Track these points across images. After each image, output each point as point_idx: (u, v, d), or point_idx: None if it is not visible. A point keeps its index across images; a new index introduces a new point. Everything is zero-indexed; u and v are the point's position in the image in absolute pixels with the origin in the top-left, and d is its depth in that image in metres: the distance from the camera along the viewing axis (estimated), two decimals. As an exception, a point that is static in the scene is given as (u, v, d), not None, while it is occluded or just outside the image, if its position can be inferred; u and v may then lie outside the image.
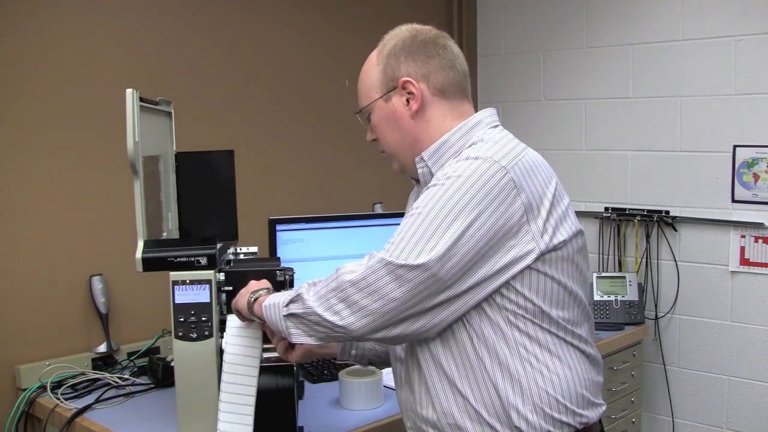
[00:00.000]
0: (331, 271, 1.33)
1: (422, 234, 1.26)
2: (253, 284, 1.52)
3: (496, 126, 1.45)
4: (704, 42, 2.81)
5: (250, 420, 1.52)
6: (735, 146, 2.77)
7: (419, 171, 1.45)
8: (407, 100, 1.44)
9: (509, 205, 1.27)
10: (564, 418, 1.34)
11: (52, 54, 2.14)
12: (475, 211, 1.26)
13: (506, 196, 1.27)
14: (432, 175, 1.42)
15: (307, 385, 2.07)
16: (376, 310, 1.25)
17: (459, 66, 1.47)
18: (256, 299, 1.45)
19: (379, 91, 1.46)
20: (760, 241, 2.74)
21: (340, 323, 1.27)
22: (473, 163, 1.30)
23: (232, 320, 1.56)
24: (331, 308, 1.28)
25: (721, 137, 2.80)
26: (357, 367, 2.04)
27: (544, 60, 3.28)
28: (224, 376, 1.53)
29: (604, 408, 1.44)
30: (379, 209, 2.72)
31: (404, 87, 1.43)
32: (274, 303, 1.38)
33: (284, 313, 1.35)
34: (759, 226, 2.74)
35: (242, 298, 1.49)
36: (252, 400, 1.53)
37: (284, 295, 1.38)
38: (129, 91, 1.60)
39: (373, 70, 1.48)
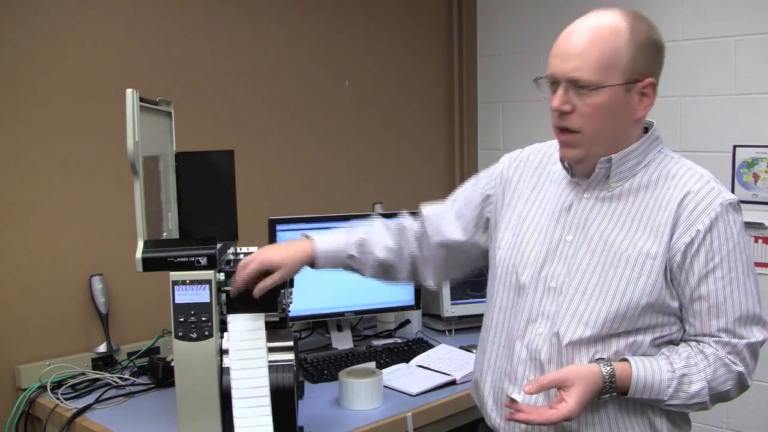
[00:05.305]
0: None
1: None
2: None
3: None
4: (704, 42, 2.81)
5: (269, 420, 1.52)
6: (735, 146, 2.77)
7: (597, 169, 1.42)
8: (639, 101, 1.38)
9: None
10: None
11: (52, 54, 2.14)
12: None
13: None
14: (607, 177, 1.42)
15: (307, 385, 2.07)
16: None
17: None
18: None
19: (620, 77, 1.35)
20: (760, 241, 2.74)
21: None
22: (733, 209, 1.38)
23: (235, 321, 1.56)
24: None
25: (721, 137, 2.80)
26: (357, 367, 2.04)
27: (544, 60, 3.26)
28: (233, 383, 1.53)
29: None
30: (379, 209, 2.72)
31: (646, 88, 1.37)
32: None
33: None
34: (759, 226, 2.74)
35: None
36: (267, 400, 1.53)
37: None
38: (129, 91, 1.60)
39: (624, 48, 1.35)
